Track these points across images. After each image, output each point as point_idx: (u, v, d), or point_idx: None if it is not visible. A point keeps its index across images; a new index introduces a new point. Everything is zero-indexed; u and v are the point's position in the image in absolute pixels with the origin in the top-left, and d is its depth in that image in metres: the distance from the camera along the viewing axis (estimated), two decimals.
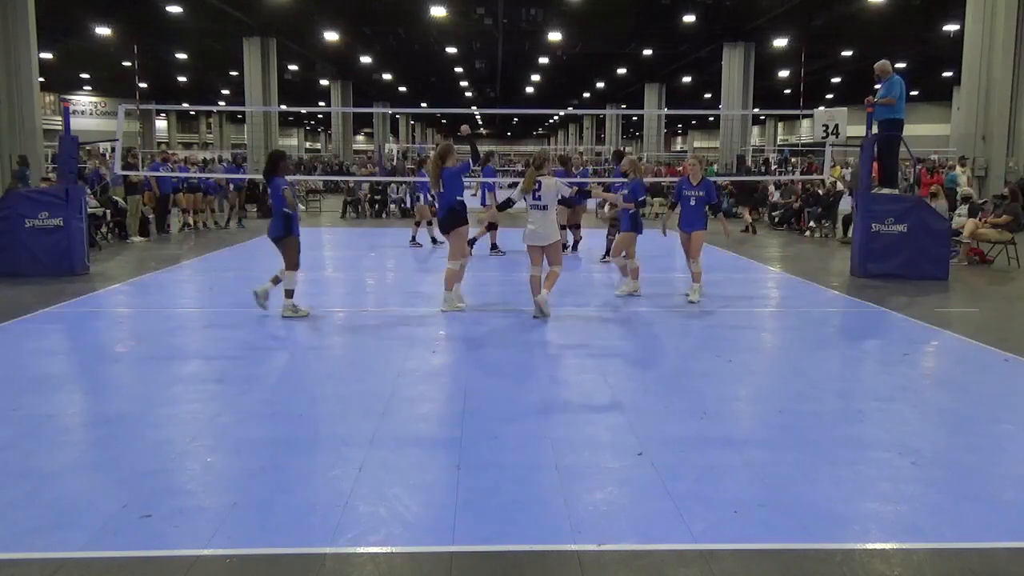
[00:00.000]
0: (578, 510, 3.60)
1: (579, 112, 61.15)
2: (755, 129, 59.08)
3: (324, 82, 42.85)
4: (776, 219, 18.56)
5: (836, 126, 11.33)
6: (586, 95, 50.79)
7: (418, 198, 14.78)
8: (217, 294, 9.68)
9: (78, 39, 30.52)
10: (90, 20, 27.58)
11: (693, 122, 72.85)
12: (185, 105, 50.63)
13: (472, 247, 12.33)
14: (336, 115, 44.10)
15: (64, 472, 4.03)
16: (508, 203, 8.38)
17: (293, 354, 6.72)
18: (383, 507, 3.61)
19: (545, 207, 7.75)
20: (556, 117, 70.23)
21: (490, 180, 15.14)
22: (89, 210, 11.81)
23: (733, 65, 29.82)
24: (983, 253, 12.34)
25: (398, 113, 59.84)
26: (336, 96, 42.90)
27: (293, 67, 38.14)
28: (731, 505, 3.65)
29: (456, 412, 5.00)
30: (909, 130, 12.42)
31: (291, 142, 69.98)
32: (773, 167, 32.63)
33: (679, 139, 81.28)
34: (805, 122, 55.23)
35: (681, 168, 13.42)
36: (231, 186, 18.17)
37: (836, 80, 42.04)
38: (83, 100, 51.96)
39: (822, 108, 14.35)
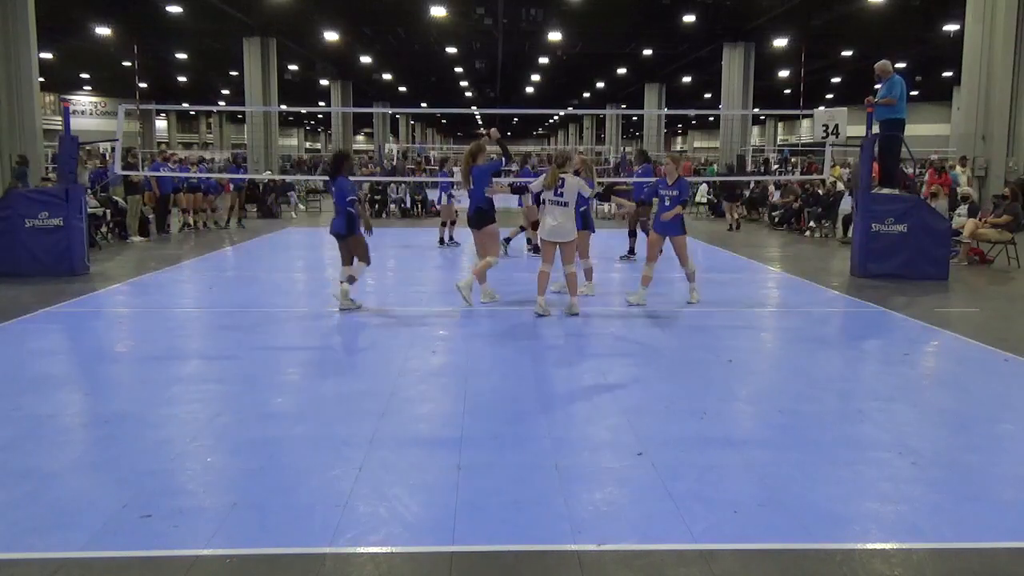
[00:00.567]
0: (578, 510, 3.60)
1: (579, 112, 61.15)
2: (755, 129, 59.08)
3: (324, 82, 42.84)
4: (776, 219, 18.56)
5: (836, 126, 11.33)
6: (586, 95, 50.78)
7: (448, 198, 14.76)
8: (217, 294, 9.68)
9: (78, 39, 30.49)
10: (90, 20, 27.56)
11: (693, 122, 72.87)
12: (185, 105, 50.62)
13: (507, 245, 12.41)
14: (336, 115, 44.08)
15: (64, 472, 4.03)
16: (523, 190, 8.48)
17: (293, 354, 6.71)
18: (383, 507, 3.61)
19: (566, 204, 7.86)
20: (556, 117, 70.22)
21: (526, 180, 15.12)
22: (89, 210, 11.81)
23: (733, 65, 29.81)
24: (983, 253, 12.34)
25: (398, 113, 59.83)
26: (336, 96, 42.89)
27: (293, 67, 38.13)
28: (731, 505, 3.65)
29: (456, 412, 5.00)
30: (909, 130, 12.42)
31: (291, 142, 70.02)
32: (773, 167, 32.63)
33: (679, 139, 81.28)
34: (805, 122, 55.25)
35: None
36: (231, 186, 18.16)
37: (836, 80, 42.04)
38: (83, 100, 51.99)
39: (822, 108, 14.35)
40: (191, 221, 16.85)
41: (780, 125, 63.71)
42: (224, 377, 5.88)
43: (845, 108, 12.03)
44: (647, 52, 33.50)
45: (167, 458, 4.21)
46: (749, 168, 30.04)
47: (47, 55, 31.34)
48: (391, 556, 3.21)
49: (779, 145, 50.77)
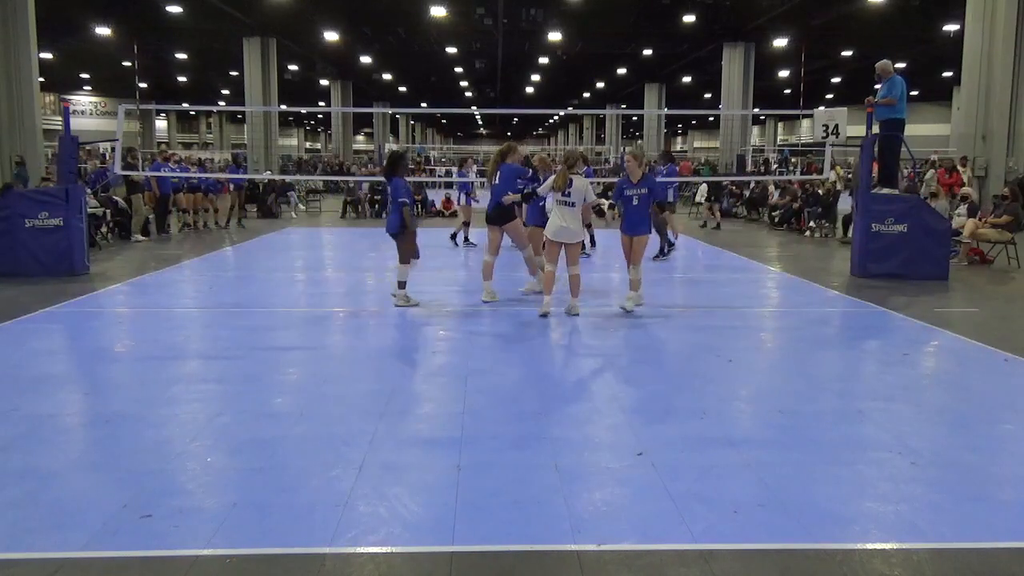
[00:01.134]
0: (578, 510, 3.60)
1: (579, 112, 61.12)
2: (755, 129, 59.07)
3: (324, 82, 42.84)
4: (776, 219, 18.56)
5: (836, 126, 11.34)
6: (586, 95, 50.76)
7: (466, 198, 14.89)
8: (217, 294, 9.68)
9: (78, 39, 30.48)
10: (90, 20, 27.55)
11: (693, 122, 72.88)
12: (185, 105, 50.63)
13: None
14: (336, 115, 44.10)
15: (64, 472, 4.03)
16: (532, 196, 8.48)
17: (293, 354, 6.71)
18: (383, 507, 3.61)
19: (573, 204, 7.85)
20: (556, 117, 70.22)
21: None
22: (89, 210, 11.82)
23: (733, 65, 29.82)
24: (983, 253, 12.34)
25: (398, 113, 59.82)
26: (336, 96, 42.90)
27: (293, 67, 38.12)
28: (731, 505, 3.64)
29: (456, 412, 5.00)
30: (909, 130, 12.42)
31: (291, 142, 70.02)
32: (773, 167, 32.63)
33: (679, 139, 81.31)
34: (805, 122, 55.27)
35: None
36: (230, 186, 18.17)
37: (836, 80, 42.03)
38: (83, 100, 52.01)
39: (822, 108, 14.36)
40: (191, 221, 16.86)
41: (780, 125, 63.71)
42: (224, 377, 5.88)
43: (845, 108, 12.04)
44: (647, 52, 33.49)
45: (167, 458, 4.21)
46: (749, 168, 30.03)
47: (47, 55, 31.34)
48: (391, 556, 3.21)
49: (779, 145, 50.75)
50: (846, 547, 3.29)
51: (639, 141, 49.73)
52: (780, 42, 29.46)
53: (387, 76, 41.68)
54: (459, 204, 15.49)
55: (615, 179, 13.21)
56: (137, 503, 3.63)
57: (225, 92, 48.50)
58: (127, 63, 36.14)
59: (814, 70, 35.55)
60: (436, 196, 23.96)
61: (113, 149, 14.71)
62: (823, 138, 11.64)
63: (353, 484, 3.85)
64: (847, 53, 33.94)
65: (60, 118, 24.83)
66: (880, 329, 7.91)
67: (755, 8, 26.27)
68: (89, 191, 13.31)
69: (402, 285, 8.44)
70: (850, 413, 5.08)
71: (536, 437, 4.56)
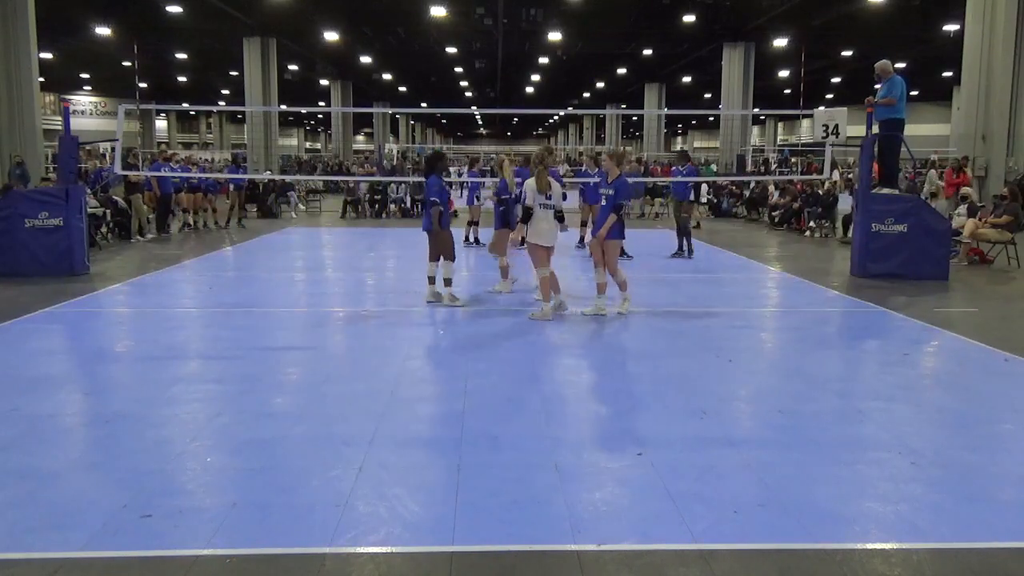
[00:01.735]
0: (578, 510, 3.60)
1: (579, 112, 61.17)
2: (755, 129, 59.08)
3: (324, 82, 42.86)
4: (776, 219, 18.56)
5: (836, 126, 11.34)
6: (586, 95, 50.79)
7: (476, 198, 15.00)
8: (217, 294, 9.68)
9: (78, 39, 30.49)
10: (90, 20, 27.56)
11: (693, 122, 72.87)
12: (185, 105, 50.63)
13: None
14: (336, 115, 44.10)
15: (64, 472, 4.03)
16: (529, 212, 7.66)
17: (293, 354, 6.71)
18: (383, 507, 3.61)
19: (553, 206, 7.76)
20: (556, 117, 70.25)
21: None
22: (89, 210, 11.81)
23: (733, 65, 29.82)
24: (983, 253, 12.34)
25: (398, 113, 59.86)
26: (336, 96, 42.90)
27: (293, 67, 38.13)
28: (731, 505, 3.64)
29: (456, 412, 5.00)
30: (909, 130, 12.42)
31: (291, 142, 70.01)
32: (773, 167, 32.64)
33: (679, 139, 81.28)
34: (805, 122, 55.24)
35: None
36: (230, 187, 18.17)
37: (836, 80, 42.04)
38: (83, 100, 51.99)
39: (822, 108, 14.35)
40: (191, 221, 16.86)
41: (780, 125, 63.71)
42: (224, 377, 5.88)
43: (845, 108, 12.04)
44: (647, 52, 33.51)
45: (167, 458, 4.21)
46: (749, 168, 30.03)
47: (47, 55, 31.33)
48: (391, 556, 3.21)
49: (779, 145, 50.75)
50: (846, 547, 3.29)
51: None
52: (780, 42, 29.47)
53: (387, 76, 41.70)
54: (468, 204, 15.59)
55: (685, 178, 13.30)
56: (137, 503, 3.63)
57: (225, 92, 48.51)
58: (127, 63, 36.14)
59: (814, 70, 35.56)
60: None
61: (113, 149, 14.71)
62: (823, 138, 11.64)
63: (353, 484, 3.85)
64: (847, 53, 33.95)
65: (60, 118, 24.84)
66: (880, 329, 7.91)
67: (755, 8, 26.27)
68: (89, 191, 13.31)
69: (448, 283, 8.47)
70: (850, 413, 5.08)
71: (536, 437, 4.56)
